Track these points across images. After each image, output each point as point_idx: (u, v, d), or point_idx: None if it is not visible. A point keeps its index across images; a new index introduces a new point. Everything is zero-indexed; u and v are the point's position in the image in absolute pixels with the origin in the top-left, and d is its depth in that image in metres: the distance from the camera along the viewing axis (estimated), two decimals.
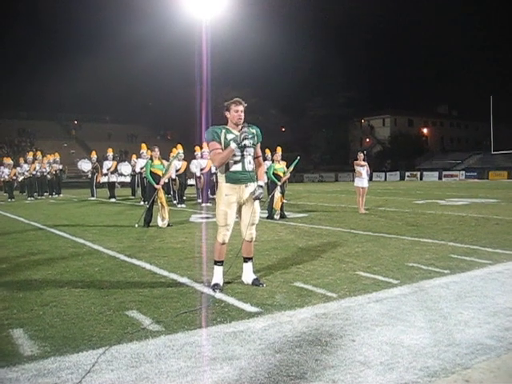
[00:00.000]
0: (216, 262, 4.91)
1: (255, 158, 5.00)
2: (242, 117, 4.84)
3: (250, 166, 4.88)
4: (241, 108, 4.84)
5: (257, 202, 4.94)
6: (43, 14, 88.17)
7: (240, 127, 4.82)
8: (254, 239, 5.05)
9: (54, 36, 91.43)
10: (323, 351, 3.15)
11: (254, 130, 4.93)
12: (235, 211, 4.87)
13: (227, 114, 4.89)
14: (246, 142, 4.77)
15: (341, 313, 3.95)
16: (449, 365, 2.90)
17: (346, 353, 3.12)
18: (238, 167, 4.80)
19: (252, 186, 4.88)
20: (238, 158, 4.79)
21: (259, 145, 5.04)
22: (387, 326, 3.63)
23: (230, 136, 4.78)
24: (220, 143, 4.78)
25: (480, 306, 4.11)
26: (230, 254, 5.91)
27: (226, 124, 4.92)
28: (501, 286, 4.74)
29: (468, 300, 4.28)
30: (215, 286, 4.74)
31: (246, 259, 5.03)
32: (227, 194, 4.79)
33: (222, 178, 4.87)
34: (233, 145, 4.70)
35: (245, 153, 4.81)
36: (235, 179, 4.80)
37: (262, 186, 4.91)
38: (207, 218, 11.90)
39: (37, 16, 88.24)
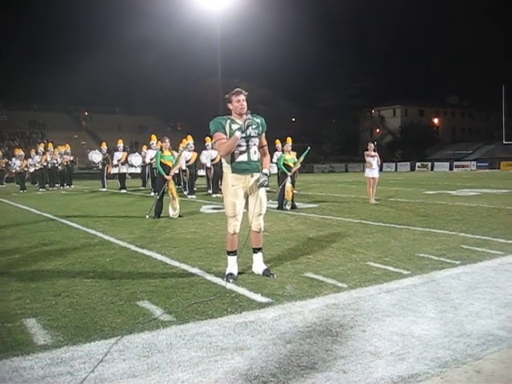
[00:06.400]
0: (229, 253, 4.92)
1: (260, 147, 4.99)
2: (245, 105, 4.82)
3: (255, 156, 4.87)
4: (242, 97, 4.82)
5: (263, 192, 4.95)
6: (54, 6, 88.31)
7: (244, 117, 4.81)
8: (262, 229, 5.05)
9: (64, 28, 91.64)
10: (334, 341, 3.15)
11: (258, 120, 4.93)
12: (243, 201, 4.87)
13: (230, 105, 4.89)
14: (251, 131, 4.78)
15: (351, 303, 3.95)
16: (460, 355, 2.90)
17: (356, 343, 3.12)
18: (243, 157, 4.80)
19: (258, 176, 4.88)
20: (244, 149, 4.79)
21: (264, 134, 5.03)
22: (398, 316, 3.63)
23: (234, 126, 4.76)
24: (225, 133, 4.77)
25: (491, 296, 4.09)
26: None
27: (230, 115, 4.92)
28: None
29: (479, 291, 4.25)
30: (229, 276, 4.75)
31: (256, 250, 5.03)
32: (233, 185, 4.80)
33: (227, 169, 4.86)
34: (237, 133, 4.69)
35: (250, 143, 4.81)
36: (241, 170, 4.80)
37: (266, 174, 4.90)
38: (218, 208, 11.91)
39: (48, 9, 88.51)
